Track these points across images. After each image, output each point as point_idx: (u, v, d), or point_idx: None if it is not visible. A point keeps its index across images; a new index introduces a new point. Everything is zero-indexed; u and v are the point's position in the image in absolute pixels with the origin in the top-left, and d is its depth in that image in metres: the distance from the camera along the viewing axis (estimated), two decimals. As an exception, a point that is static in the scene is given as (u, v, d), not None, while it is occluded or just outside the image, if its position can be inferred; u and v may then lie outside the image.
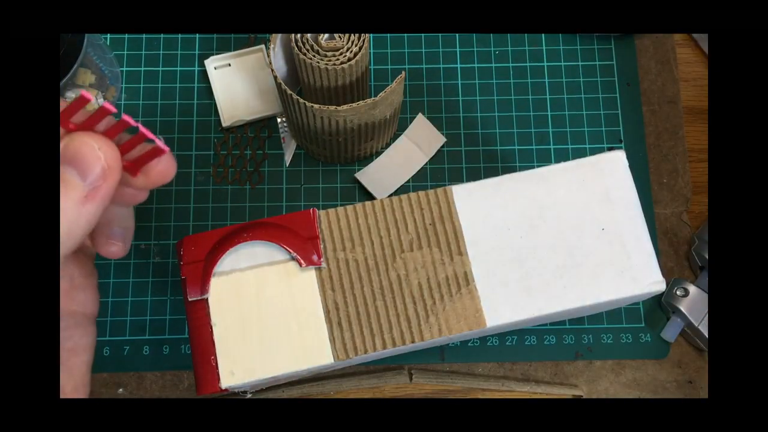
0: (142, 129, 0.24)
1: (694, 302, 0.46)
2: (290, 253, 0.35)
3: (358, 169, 0.50)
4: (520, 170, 0.38)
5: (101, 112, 0.24)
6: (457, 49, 0.54)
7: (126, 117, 0.24)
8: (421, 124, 0.51)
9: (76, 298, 0.31)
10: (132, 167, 0.26)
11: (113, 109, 0.24)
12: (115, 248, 0.30)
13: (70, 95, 0.47)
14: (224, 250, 0.35)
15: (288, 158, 0.51)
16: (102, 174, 0.24)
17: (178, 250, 0.34)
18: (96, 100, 0.24)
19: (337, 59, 0.42)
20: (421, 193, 0.37)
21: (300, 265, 0.35)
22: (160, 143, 0.25)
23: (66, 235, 0.23)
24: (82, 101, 0.24)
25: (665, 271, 0.50)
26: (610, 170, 0.38)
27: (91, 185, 0.24)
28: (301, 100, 0.41)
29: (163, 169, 0.26)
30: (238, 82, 0.52)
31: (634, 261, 0.36)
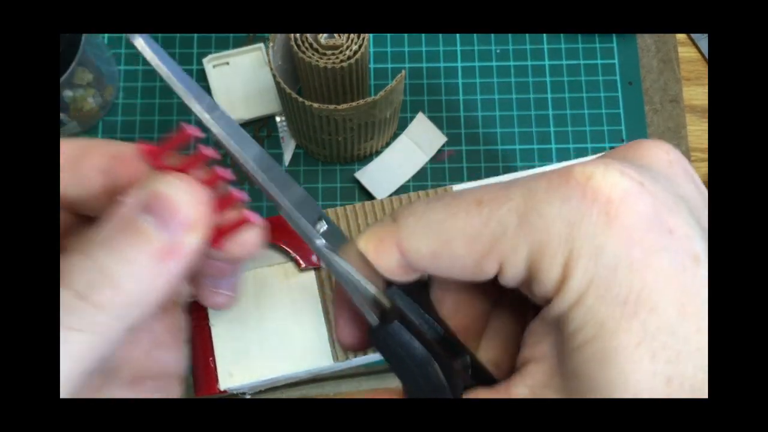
0: (235, 193, 0.20)
1: (695, 302, 0.45)
2: (289, 253, 0.35)
3: (358, 169, 0.50)
4: (521, 170, 0.38)
5: (201, 156, 0.20)
6: (458, 48, 0.53)
7: (221, 171, 0.20)
8: (421, 124, 0.51)
9: (160, 359, 0.25)
10: (215, 235, 0.21)
11: (214, 155, 0.19)
12: (223, 299, 0.26)
13: (69, 94, 0.47)
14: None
15: (287, 158, 0.51)
16: (189, 226, 0.19)
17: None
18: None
19: (337, 57, 0.42)
20: (422, 193, 0.37)
21: (299, 265, 0.35)
22: (251, 214, 0.21)
23: (137, 298, 0.19)
24: (184, 137, 0.19)
25: (666, 271, 0.50)
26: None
27: (173, 239, 0.19)
28: (301, 99, 0.41)
29: (250, 241, 0.22)
30: (236, 81, 0.51)
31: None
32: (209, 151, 0.20)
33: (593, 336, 0.17)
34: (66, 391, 0.18)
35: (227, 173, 0.20)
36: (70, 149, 0.21)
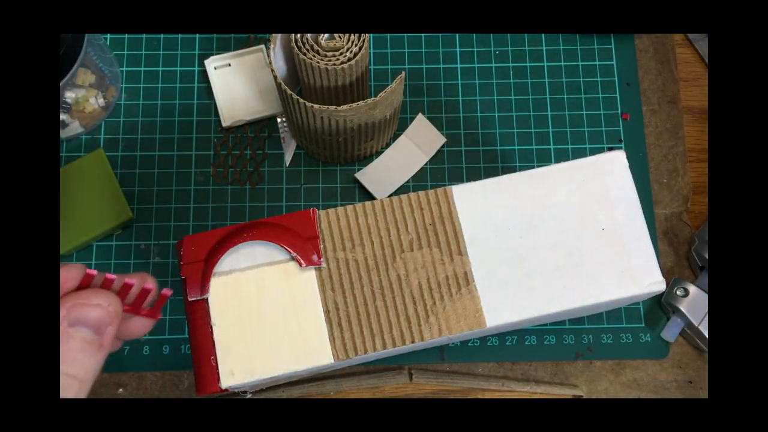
0: (148, 286, 0.30)
1: (694, 302, 0.46)
2: (290, 253, 0.35)
3: (358, 169, 0.50)
4: (520, 170, 0.38)
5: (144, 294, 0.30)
6: (457, 49, 0.54)
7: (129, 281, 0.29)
8: (421, 124, 0.51)
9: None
10: (131, 309, 0.30)
11: (169, 294, 0.30)
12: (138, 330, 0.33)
13: (71, 95, 0.47)
14: (224, 250, 0.34)
15: (288, 158, 0.51)
16: (110, 322, 0.28)
17: (178, 250, 0.34)
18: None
19: (337, 59, 0.42)
20: (421, 193, 0.37)
21: (300, 265, 0.35)
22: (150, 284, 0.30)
23: (86, 380, 0.27)
24: (145, 293, 0.30)
25: (665, 271, 0.50)
26: (610, 170, 0.38)
27: (102, 336, 0.28)
28: (301, 100, 0.41)
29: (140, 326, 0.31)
30: (238, 82, 0.52)
31: (634, 261, 0.36)
32: (167, 292, 0.30)
33: None
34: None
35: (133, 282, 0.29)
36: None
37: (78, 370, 0.26)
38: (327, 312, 0.35)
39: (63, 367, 0.26)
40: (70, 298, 0.27)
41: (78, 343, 0.27)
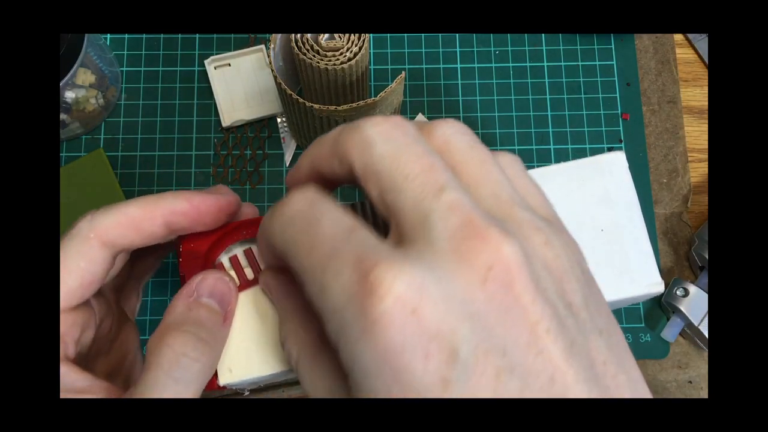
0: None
1: (694, 302, 0.46)
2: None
3: (358, 169, 0.50)
4: (520, 170, 0.38)
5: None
6: (457, 49, 0.54)
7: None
8: (421, 124, 0.51)
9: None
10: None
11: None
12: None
13: (71, 95, 0.47)
14: (223, 247, 0.34)
15: (288, 158, 0.51)
16: (231, 299, 0.29)
17: (177, 248, 0.34)
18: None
19: (337, 59, 0.42)
20: None
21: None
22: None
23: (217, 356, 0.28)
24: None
25: (665, 271, 0.50)
26: (610, 171, 0.38)
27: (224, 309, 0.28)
28: (301, 100, 0.41)
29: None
30: (238, 82, 0.52)
31: (633, 262, 0.36)
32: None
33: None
34: None
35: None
36: (134, 211, 0.26)
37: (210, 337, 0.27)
38: None
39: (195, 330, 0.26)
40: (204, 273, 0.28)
41: (206, 311, 0.27)
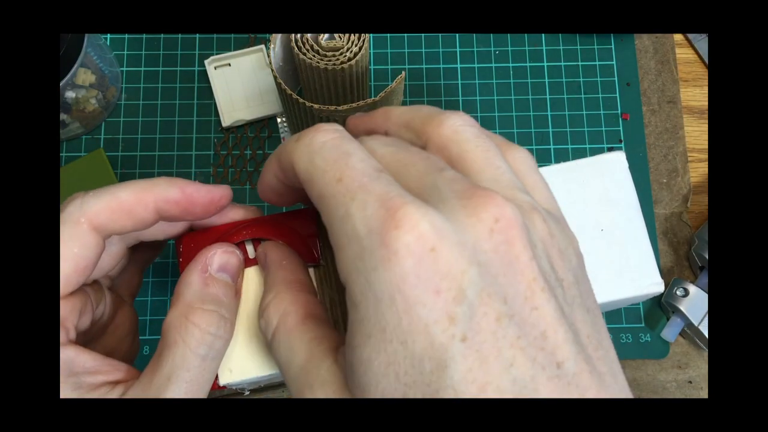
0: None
1: (694, 302, 0.46)
2: (290, 252, 0.35)
3: (358, 169, 0.50)
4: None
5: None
6: (457, 49, 0.54)
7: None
8: (421, 124, 0.51)
9: None
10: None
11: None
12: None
13: (71, 95, 0.47)
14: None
15: (288, 158, 0.51)
16: (239, 272, 0.29)
17: (177, 247, 0.34)
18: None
19: (337, 59, 0.42)
20: None
21: (300, 264, 0.35)
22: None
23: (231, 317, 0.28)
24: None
25: (665, 271, 0.50)
26: (610, 171, 0.38)
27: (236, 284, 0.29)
28: (301, 100, 0.41)
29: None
30: (238, 82, 0.52)
31: (633, 262, 0.36)
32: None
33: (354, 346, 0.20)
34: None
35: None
36: (125, 196, 0.26)
37: (227, 312, 0.27)
38: (325, 309, 0.35)
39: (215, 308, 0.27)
40: (215, 246, 0.28)
41: (222, 287, 0.27)
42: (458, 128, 0.24)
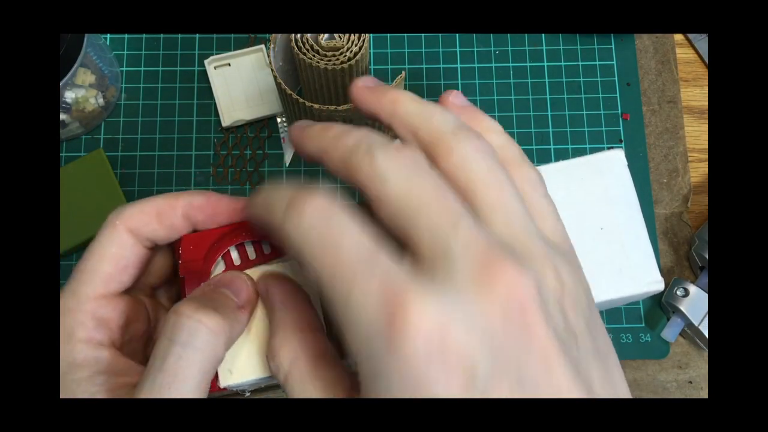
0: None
1: (694, 302, 0.46)
2: (290, 252, 0.35)
3: (358, 169, 0.50)
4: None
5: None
6: (457, 49, 0.54)
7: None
8: (421, 124, 0.51)
9: None
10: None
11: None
12: None
13: (71, 95, 0.47)
14: (223, 248, 0.34)
15: (288, 158, 0.51)
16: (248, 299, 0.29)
17: (176, 249, 0.34)
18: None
19: (337, 59, 0.42)
20: None
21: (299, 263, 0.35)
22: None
23: (231, 338, 0.28)
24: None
25: (665, 271, 0.50)
26: (610, 169, 0.38)
27: (239, 300, 0.29)
28: (301, 100, 0.41)
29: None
30: (237, 82, 0.52)
31: (633, 260, 0.36)
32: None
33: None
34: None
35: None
36: (156, 201, 0.28)
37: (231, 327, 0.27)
38: (325, 310, 0.35)
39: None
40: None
41: (223, 297, 0.28)
42: (469, 160, 0.23)
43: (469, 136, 0.23)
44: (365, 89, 0.26)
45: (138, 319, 0.29)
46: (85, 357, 0.26)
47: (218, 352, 0.26)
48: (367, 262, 0.20)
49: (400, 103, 0.25)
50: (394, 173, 0.21)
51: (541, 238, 0.22)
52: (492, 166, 0.23)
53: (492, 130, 0.26)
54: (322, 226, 0.21)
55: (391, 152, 0.22)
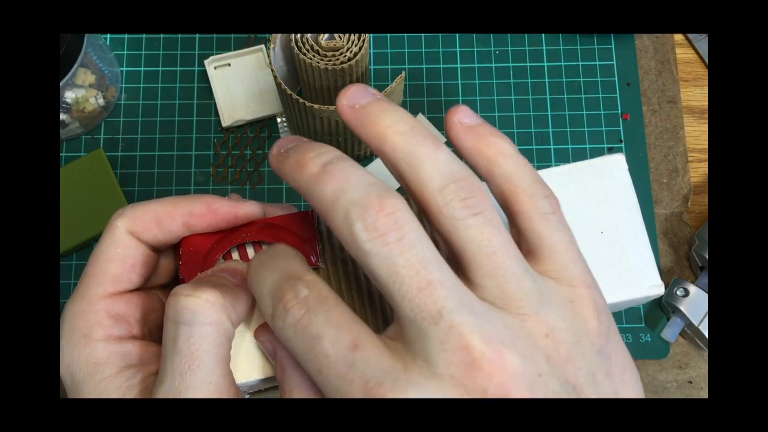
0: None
1: (694, 302, 0.46)
2: (290, 253, 0.35)
3: (358, 169, 0.50)
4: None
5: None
6: (458, 49, 0.54)
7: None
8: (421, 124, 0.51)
9: None
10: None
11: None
12: None
13: (71, 95, 0.47)
14: (222, 249, 0.34)
15: (288, 158, 0.51)
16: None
17: (176, 250, 0.34)
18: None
19: (337, 59, 0.42)
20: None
21: (300, 265, 0.35)
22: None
23: (236, 314, 0.28)
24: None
25: (665, 271, 0.50)
26: (610, 173, 0.38)
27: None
28: (301, 100, 0.41)
29: None
30: (238, 82, 0.52)
31: (633, 264, 0.36)
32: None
33: None
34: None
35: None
36: (157, 208, 0.28)
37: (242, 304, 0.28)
38: None
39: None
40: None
41: (220, 279, 0.28)
42: (458, 225, 0.22)
43: (459, 193, 0.22)
44: (350, 109, 0.26)
45: (155, 309, 0.29)
46: (109, 354, 0.26)
47: (225, 325, 0.26)
48: (349, 362, 0.21)
49: (387, 139, 0.24)
50: (375, 249, 0.21)
51: (537, 292, 0.22)
52: (484, 228, 0.22)
53: (503, 153, 0.25)
54: (304, 328, 0.22)
55: (370, 219, 0.21)
